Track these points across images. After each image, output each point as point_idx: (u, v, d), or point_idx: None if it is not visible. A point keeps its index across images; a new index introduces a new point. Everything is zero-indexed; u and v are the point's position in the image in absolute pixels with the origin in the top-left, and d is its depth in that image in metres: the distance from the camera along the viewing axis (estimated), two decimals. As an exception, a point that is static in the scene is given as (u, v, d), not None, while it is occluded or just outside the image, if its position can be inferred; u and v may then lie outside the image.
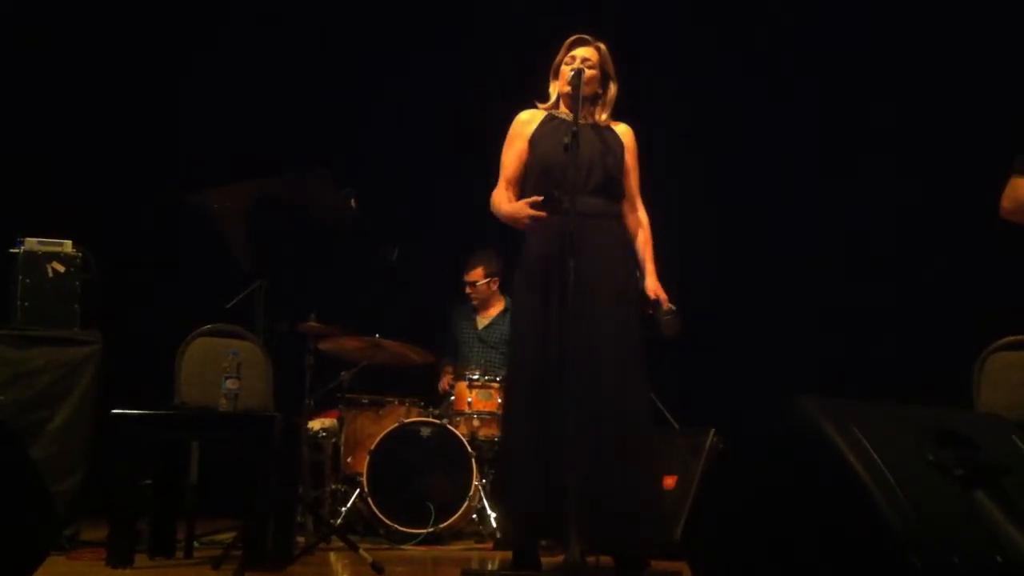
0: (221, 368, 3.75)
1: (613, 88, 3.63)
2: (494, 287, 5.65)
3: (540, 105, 3.69)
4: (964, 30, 5.61)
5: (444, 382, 5.58)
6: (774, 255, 6.05)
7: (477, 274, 5.57)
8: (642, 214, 3.69)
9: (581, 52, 3.58)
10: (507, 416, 3.61)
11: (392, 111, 6.45)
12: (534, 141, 3.61)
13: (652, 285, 3.58)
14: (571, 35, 3.63)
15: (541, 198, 3.40)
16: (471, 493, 4.73)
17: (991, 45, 5.52)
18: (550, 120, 3.63)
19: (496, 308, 5.67)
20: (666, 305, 3.52)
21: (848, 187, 5.91)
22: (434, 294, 6.04)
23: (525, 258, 3.56)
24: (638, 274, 3.64)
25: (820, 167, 6.06)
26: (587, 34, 3.63)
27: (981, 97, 5.51)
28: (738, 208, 6.18)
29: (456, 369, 5.50)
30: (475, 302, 5.69)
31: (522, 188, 3.62)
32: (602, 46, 3.61)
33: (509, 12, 6.17)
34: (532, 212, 3.38)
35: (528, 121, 3.66)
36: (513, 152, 3.65)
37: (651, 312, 3.51)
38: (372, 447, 4.81)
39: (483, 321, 5.70)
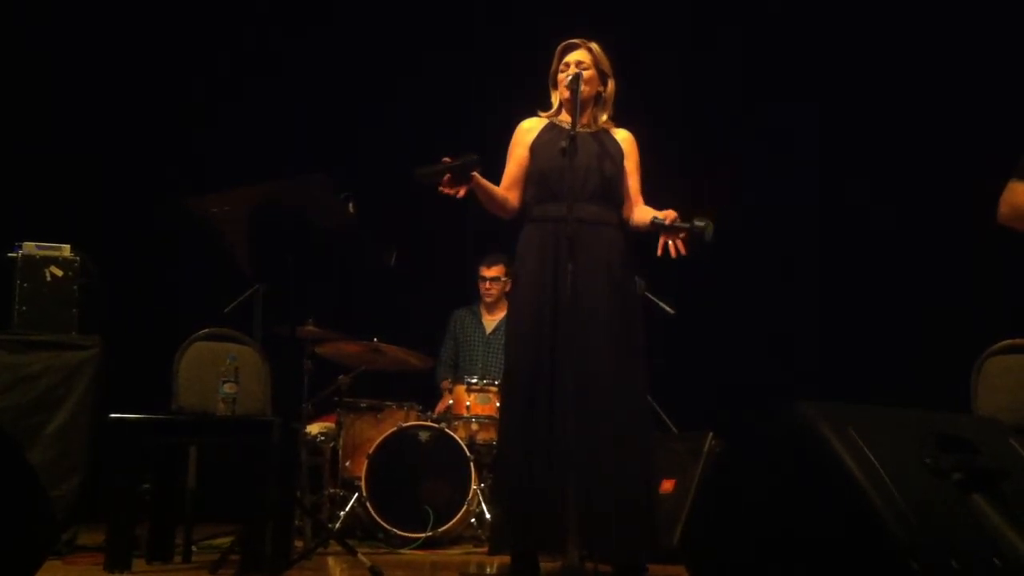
0: (219, 372, 3.74)
1: (611, 84, 3.64)
2: (507, 288, 5.64)
3: (542, 113, 3.71)
4: (964, 31, 5.62)
5: (445, 402, 5.35)
6: (773, 257, 6.05)
7: (499, 270, 5.56)
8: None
9: (574, 56, 3.59)
10: (503, 420, 3.61)
11: (391, 113, 6.44)
12: (534, 148, 3.63)
13: (660, 214, 3.44)
14: (563, 40, 3.63)
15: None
16: (470, 497, 4.73)
17: (992, 48, 5.53)
18: (551, 128, 3.65)
19: (502, 311, 5.66)
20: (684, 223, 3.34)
21: (848, 188, 5.91)
22: (433, 298, 6.03)
23: (521, 262, 3.57)
24: (637, 279, 3.63)
25: (819, 167, 6.06)
26: (577, 36, 3.62)
27: (982, 99, 5.52)
28: (737, 210, 6.18)
29: (457, 376, 5.48)
30: (489, 299, 5.68)
31: (523, 195, 3.65)
32: (594, 46, 3.61)
33: (510, 13, 6.18)
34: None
35: (529, 129, 3.68)
36: (513, 159, 3.68)
37: (685, 230, 3.35)
38: (370, 451, 4.80)
39: (490, 324, 5.69)
